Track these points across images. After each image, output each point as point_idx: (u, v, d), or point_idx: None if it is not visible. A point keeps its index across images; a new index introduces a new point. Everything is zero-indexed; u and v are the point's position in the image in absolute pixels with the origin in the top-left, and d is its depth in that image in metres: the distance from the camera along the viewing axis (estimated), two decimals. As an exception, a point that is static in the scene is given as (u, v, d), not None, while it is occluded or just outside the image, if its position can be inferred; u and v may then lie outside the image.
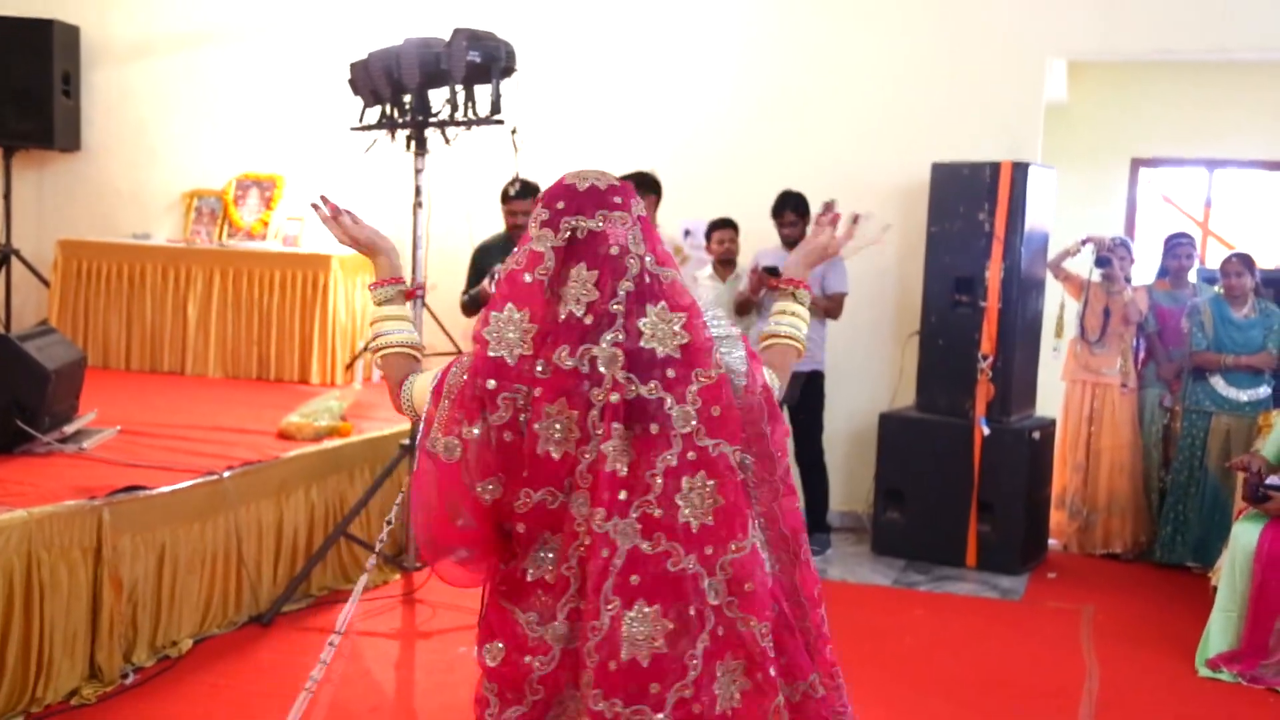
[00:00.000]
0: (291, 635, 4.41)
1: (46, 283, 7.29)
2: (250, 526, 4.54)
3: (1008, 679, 4.41)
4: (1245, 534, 4.63)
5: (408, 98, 4.79)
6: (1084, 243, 6.20)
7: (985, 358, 5.84)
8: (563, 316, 1.87)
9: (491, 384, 1.87)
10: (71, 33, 7.40)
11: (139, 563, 4.00)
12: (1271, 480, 4.74)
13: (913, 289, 6.23)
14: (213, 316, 6.91)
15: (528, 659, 1.91)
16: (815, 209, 5.88)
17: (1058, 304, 6.43)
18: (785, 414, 5.76)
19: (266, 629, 4.44)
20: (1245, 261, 5.93)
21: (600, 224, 1.91)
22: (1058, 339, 6.42)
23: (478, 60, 4.54)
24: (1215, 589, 4.75)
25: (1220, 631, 4.61)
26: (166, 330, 6.98)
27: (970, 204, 5.87)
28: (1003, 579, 5.68)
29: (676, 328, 1.90)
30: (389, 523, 4.33)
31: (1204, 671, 4.53)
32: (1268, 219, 8.17)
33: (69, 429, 4.72)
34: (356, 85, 4.97)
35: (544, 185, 2.04)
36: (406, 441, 4.91)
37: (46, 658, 3.66)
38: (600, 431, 1.85)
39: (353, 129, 5.05)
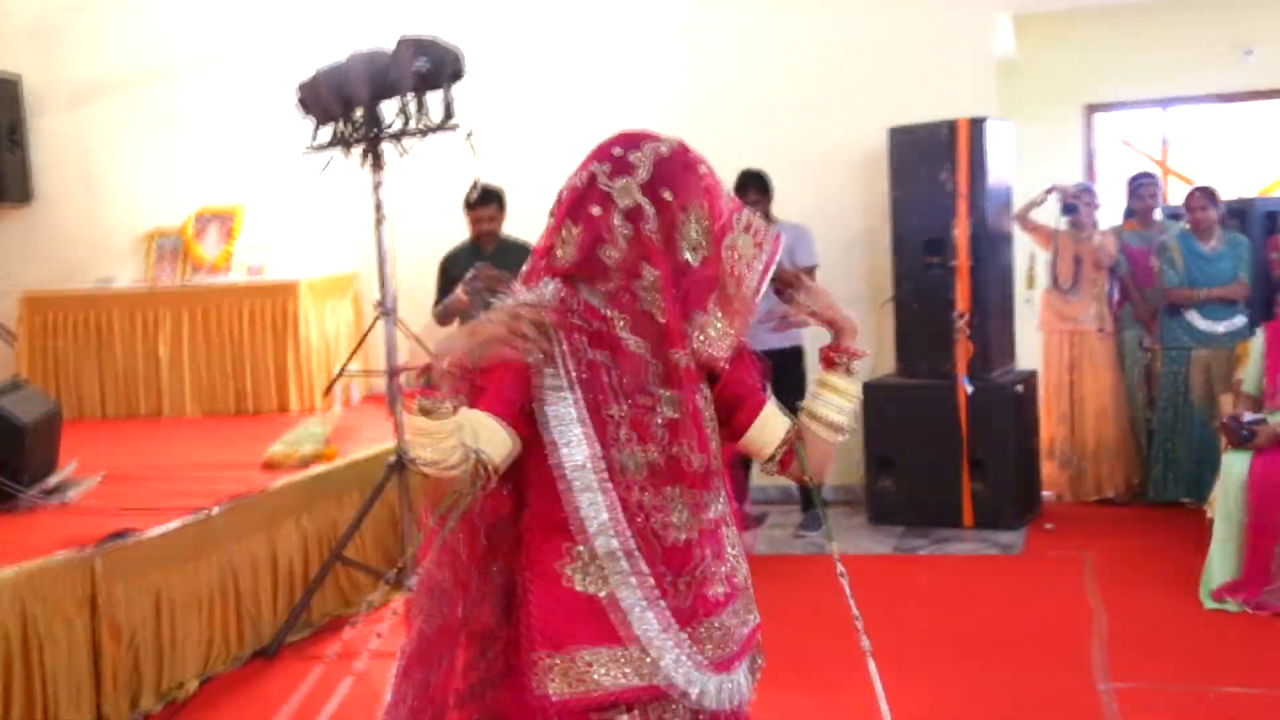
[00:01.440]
0: (297, 665, 4.36)
1: (13, 338, 7.20)
2: (244, 561, 4.49)
3: (1018, 632, 4.42)
4: (1236, 464, 4.65)
5: (359, 113, 4.74)
6: (1049, 192, 6.22)
7: (961, 316, 5.84)
8: None
9: None
10: (11, 84, 7.30)
11: (136, 608, 3.95)
12: (1250, 418, 4.78)
13: (881, 256, 6.22)
14: (185, 355, 6.82)
15: None
16: (777, 185, 5.87)
17: (1027, 256, 6.46)
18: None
19: (272, 662, 4.40)
20: (1209, 195, 5.96)
21: None
22: (1029, 289, 6.44)
23: (426, 68, 4.50)
24: (1211, 521, 4.77)
25: (1221, 563, 4.63)
26: (139, 374, 6.88)
27: (931, 165, 5.87)
28: (1001, 535, 5.69)
29: None
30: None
31: (1209, 603, 4.56)
32: (1224, 151, 8.22)
33: (51, 481, 4.66)
34: (307, 105, 4.92)
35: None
36: (393, 460, 4.87)
37: (52, 714, 3.61)
38: None
39: (307, 150, 4.99)
